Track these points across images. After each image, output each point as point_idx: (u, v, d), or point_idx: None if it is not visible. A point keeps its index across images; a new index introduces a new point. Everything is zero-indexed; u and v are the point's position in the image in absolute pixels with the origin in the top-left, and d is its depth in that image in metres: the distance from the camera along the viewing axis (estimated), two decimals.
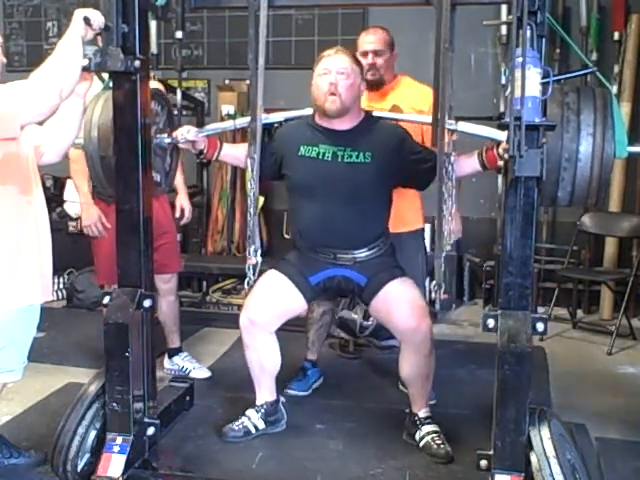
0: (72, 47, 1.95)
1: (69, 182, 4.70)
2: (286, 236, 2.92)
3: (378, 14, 4.76)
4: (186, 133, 2.42)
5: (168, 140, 2.42)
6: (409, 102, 2.83)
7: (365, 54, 2.83)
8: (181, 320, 3.32)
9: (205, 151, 2.49)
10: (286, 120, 2.60)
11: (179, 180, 3.25)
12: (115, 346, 2.19)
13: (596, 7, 4.43)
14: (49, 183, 4.90)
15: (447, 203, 2.17)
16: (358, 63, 2.53)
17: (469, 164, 2.35)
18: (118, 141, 2.19)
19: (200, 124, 5.04)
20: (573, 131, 1.90)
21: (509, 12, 1.94)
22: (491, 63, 4.68)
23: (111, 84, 2.31)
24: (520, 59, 1.78)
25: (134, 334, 2.20)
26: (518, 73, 1.79)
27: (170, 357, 3.32)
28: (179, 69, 4.75)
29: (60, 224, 4.71)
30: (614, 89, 4.43)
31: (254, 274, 2.43)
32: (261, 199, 2.77)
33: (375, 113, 2.59)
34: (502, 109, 4.27)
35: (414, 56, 4.62)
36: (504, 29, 4.31)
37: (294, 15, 4.92)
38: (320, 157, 2.50)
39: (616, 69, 4.40)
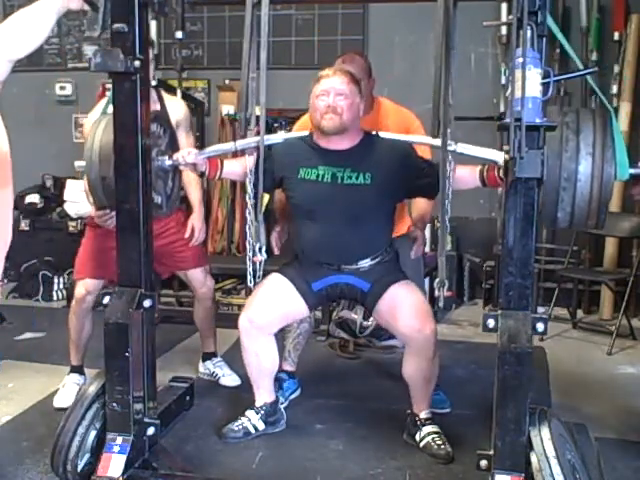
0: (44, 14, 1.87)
1: (69, 182, 4.70)
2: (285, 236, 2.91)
3: (377, 15, 4.77)
4: (187, 155, 2.40)
5: (169, 162, 2.40)
6: (393, 129, 2.73)
7: None
8: (181, 320, 3.31)
9: (207, 173, 2.49)
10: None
11: (195, 197, 3.09)
12: (115, 346, 2.19)
13: (596, 7, 4.44)
14: (49, 183, 4.88)
15: (447, 206, 2.16)
16: (357, 82, 2.50)
17: (470, 179, 2.35)
18: (118, 141, 2.18)
19: (200, 124, 5.05)
20: (572, 151, 1.87)
21: (509, 12, 1.93)
22: (491, 63, 4.69)
23: (109, 109, 2.31)
24: (520, 59, 1.78)
25: (134, 334, 2.19)
26: (518, 73, 1.79)
27: (204, 361, 3.31)
28: (179, 69, 4.76)
29: (60, 224, 4.68)
30: (614, 89, 4.44)
31: (258, 272, 2.42)
32: (266, 197, 2.75)
33: (381, 134, 2.55)
34: (502, 109, 4.28)
35: (413, 57, 4.66)
36: (504, 29, 4.31)
37: (294, 15, 4.92)
38: (320, 180, 2.49)
39: (616, 69, 4.41)
